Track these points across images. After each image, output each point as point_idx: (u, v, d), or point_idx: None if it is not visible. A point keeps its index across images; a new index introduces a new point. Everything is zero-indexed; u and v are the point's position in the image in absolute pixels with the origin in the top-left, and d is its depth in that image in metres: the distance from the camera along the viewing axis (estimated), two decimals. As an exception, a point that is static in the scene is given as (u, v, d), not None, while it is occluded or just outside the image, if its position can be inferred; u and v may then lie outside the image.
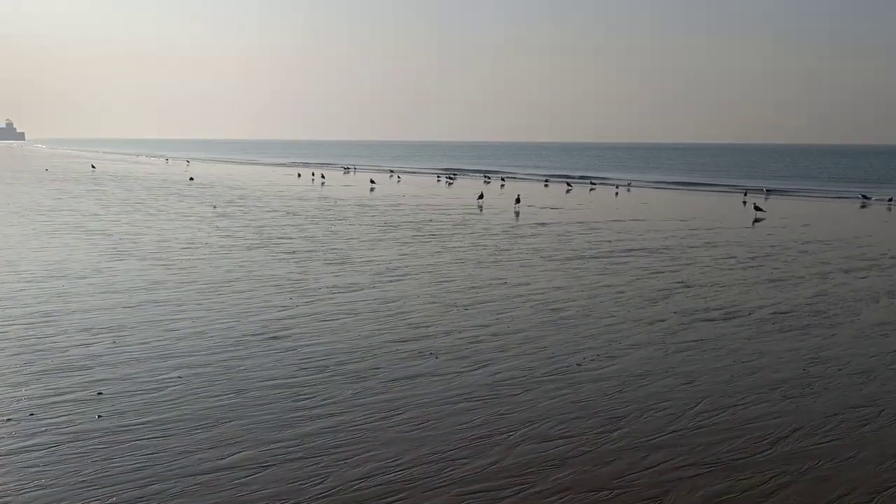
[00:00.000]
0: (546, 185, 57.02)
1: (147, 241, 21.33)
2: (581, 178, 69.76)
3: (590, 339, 11.72)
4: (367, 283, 15.74)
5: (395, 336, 11.64)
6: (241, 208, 32.44)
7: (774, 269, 19.21)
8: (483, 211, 33.78)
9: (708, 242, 24.27)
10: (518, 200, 36.71)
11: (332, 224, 26.78)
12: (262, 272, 16.76)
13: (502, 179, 63.24)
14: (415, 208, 34.39)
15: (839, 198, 49.15)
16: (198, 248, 20.18)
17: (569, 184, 56.64)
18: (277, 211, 31.39)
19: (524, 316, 13.21)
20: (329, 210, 32.30)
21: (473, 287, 15.67)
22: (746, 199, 46.46)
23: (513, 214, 32.49)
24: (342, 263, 18.24)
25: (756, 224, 30.44)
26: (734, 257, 21.17)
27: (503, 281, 16.52)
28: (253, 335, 11.44)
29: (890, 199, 44.34)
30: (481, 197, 39.04)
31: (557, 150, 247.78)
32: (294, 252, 19.88)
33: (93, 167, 71.55)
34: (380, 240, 22.88)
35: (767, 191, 52.79)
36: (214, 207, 32.38)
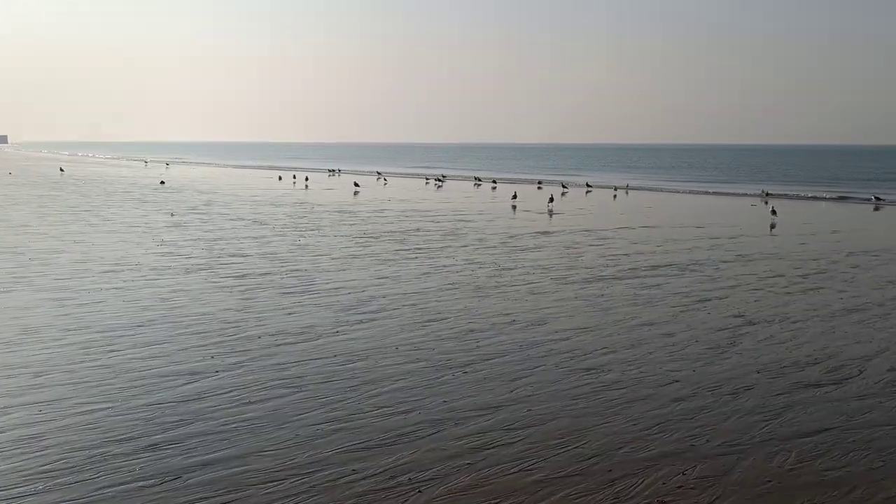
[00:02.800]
0: (539, 188, 52.76)
1: (62, 261, 16.80)
2: (550, 180, 65.57)
3: (658, 435, 7.37)
4: (328, 327, 11.32)
5: (353, 441, 7.24)
6: (203, 216, 27.91)
7: (840, 292, 14.98)
8: (516, 211, 29.50)
9: (740, 255, 20.03)
10: (552, 200, 36.45)
11: (301, 236, 22.32)
12: (189, 309, 12.30)
13: (493, 182, 58.91)
14: (400, 215, 29.99)
15: (840, 198, 45.12)
16: (122, 271, 15.68)
17: (564, 185, 52.38)
18: (243, 219, 26.90)
19: (548, 384, 8.85)
20: (303, 218, 27.84)
21: (472, 331, 11.28)
22: (756, 202, 42.34)
23: (508, 221, 28.15)
24: (301, 293, 13.81)
25: (773, 229, 26.31)
26: (782, 275, 16.92)
27: (510, 318, 12.16)
28: (119, 440, 7.02)
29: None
30: (515, 196, 39.41)
31: (527, 150, 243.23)
32: (244, 276, 15.43)
33: (61, 170, 66.58)
34: (355, 256, 18.46)
35: (767, 193, 48.73)
36: (172, 215, 27.86)
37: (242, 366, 9.24)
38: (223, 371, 9.02)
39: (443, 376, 9.02)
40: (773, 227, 28.02)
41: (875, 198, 42.22)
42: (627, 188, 53.61)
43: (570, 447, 7.00)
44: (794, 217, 31.92)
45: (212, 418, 7.48)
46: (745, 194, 48.73)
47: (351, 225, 25.59)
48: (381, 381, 8.81)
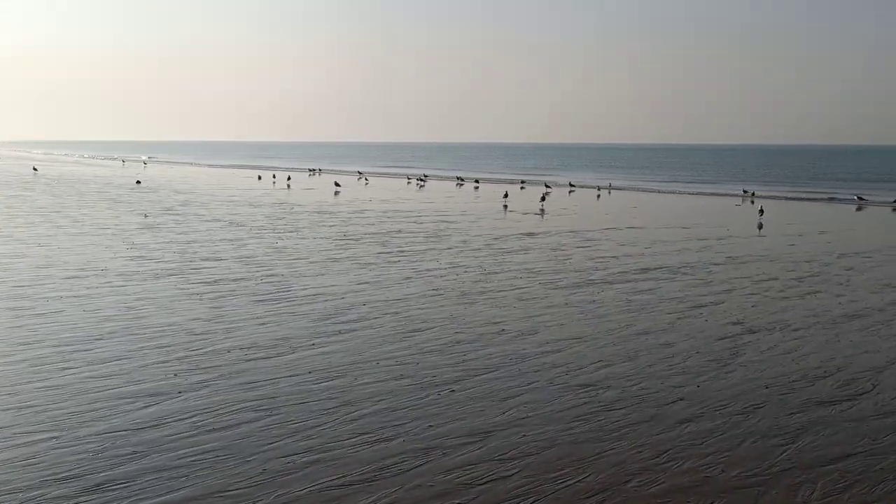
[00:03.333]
0: (522, 188, 52.08)
1: (23, 266, 15.78)
2: (523, 180, 64.97)
3: (668, 465, 6.61)
4: (303, 339, 10.46)
5: (328, 477, 6.41)
6: (178, 217, 26.87)
7: (838, 297, 14.37)
8: (507, 211, 28.67)
9: (731, 257, 19.41)
10: (543, 199, 36.93)
11: (278, 238, 21.40)
12: (155, 319, 11.39)
13: (476, 181, 58.13)
14: (381, 215, 29.13)
15: (813, 199, 44.88)
16: (86, 277, 14.70)
17: (547, 185, 51.74)
18: (219, 221, 25.91)
19: (543, 404, 8.07)
20: (281, 219, 26.89)
21: (458, 342, 10.48)
22: (740, 202, 41.96)
23: (492, 222, 27.39)
24: (276, 300, 12.94)
25: (761, 229, 25.76)
26: (776, 278, 16.30)
27: (499, 327, 11.37)
28: (60, 479, 6.15)
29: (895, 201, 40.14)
30: (506, 196, 39.30)
31: (502, 150, 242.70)
32: (216, 282, 14.52)
33: (35, 170, 64.87)
34: (335, 259, 17.59)
35: (752, 194, 48.42)
36: (145, 216, 26.81)
37: (208, 385, 8.37)
38: (187, 391, 8.15)
39: (428, 395, 8.21)
40: (760, 227, 27.62)
41: (858, 198, 41.98)
42: (610, 188, 53.09)
43: (571, 481, 6.22)
44: (778, 217, 31.46)
45: (169, 449, 6.62)
46: (727, 194, 48.37)
47: (331, 226, 24.70)
48: (361, 401, 7.98)
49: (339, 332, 10.89)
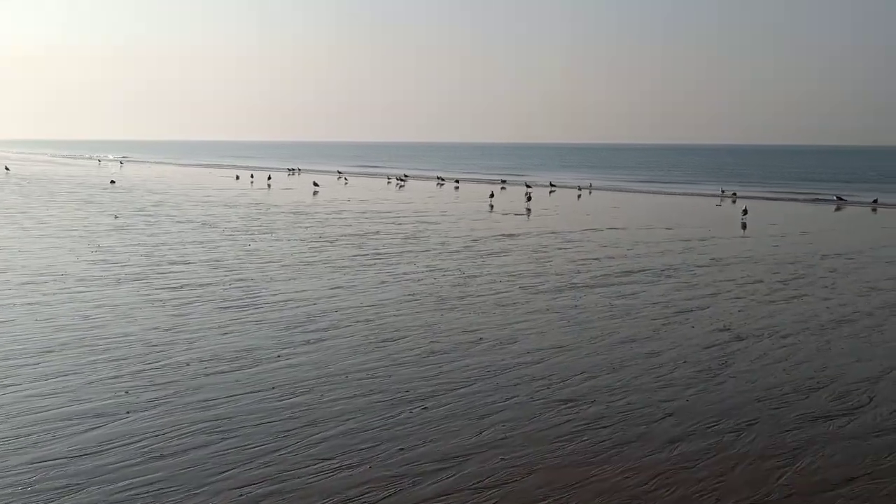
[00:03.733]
0: (503, 188, 51.56)
1: (-22, 272, 14.94)
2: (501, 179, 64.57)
3: (659, 493, 6.05)
4: (270, 350, 9.79)
5: None
6: (149, 218, 26.01)
7: (825, 300, 13.93)
8: (493, 211, 28.03)
9: (714, 259, 18.96)
10: (530, 199, 37.28)
11: (251, 240, 20.66)
12: (111, 329, 10.65)
13: (456, 181, 57.54)
14: (359, 216, 28.44)
15: (792, 199, 44.81)
16: (44, 282, 13.90)
17: (528, 185, 51.25)
18: (192, 222, 25.08)
19: (523, 422, 7.47)
20: (256, 220, 26.11)
21: (434, 352, 9.86)
22: (720, 202, 41.74)
23: (472, 222, 26.81)
24: (244, 307, 12.24)
25: (745, 229, 25.40)
26: (760, 281, 15.86)
27: (477, 336, 10.77)
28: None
29: (875, 200, 40.09)
30: (492, 196, 39.28)
31: (476, 149, 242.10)
32: (181, 287, 13.78)
33: (7, 169, 63.31)
34: (308, 263, 16.90)
35: (734, 193, 48.28)
36: (115, 217, 25.92)
37: (161, 403, 7.68)
38: (136, 411, 7.46)
39: (399, 414, 7.58)
40: (744, 226, 27.38)
41: (837, 197, 41.91)
42: (591, 188, 52.74)
43: (553, 513, 5.63)
44: (759, 218, 31.15)
45: (109, 481, 5.94)
46: (705, 194, 48.16)
47: (307, 228, 23.98)
48: (326, 421, 7.34)
49: (308, 341, 10.23)
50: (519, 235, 23.11)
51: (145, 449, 6.56)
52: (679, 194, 48.84)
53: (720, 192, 47.36)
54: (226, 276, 15.04)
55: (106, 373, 8.64)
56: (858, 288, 15.30)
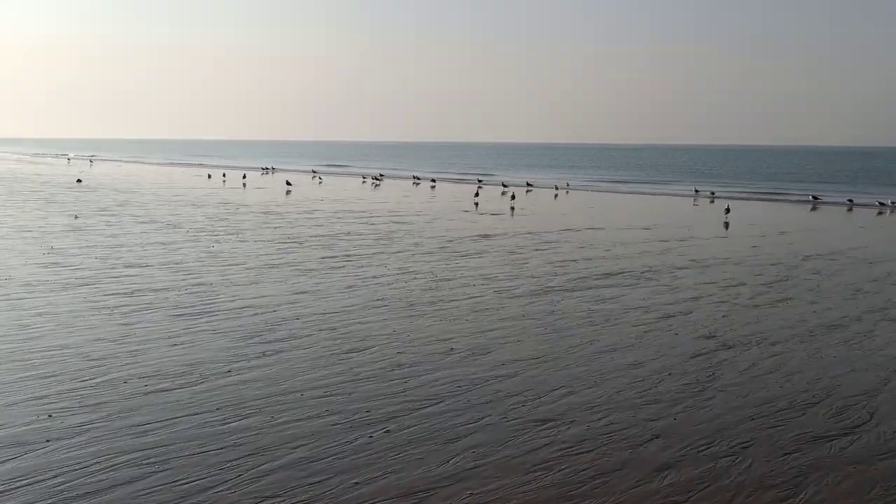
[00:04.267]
0: (479, 188, 50.82)
1: (-87, 277, 13.82)
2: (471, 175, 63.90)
3: (649, 533, 5.26)
4: (220, 363, 8.89)
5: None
6: (111, 218, 24.86)
7: (812, 304, 13.32)
8: (478, 208, 27.13)
9: (694, 260, 18.34)
10: (513, 197, 37.43)
11: (216, 241, 19.66)
12: (49, 340, 9.68)
13: (432, 181, 56.68)
14: (331, 216, 27.50)
15: (770, 199, 44.59)
16: (-17, 289, 12.86)
17: (504, 185, 50.58)
18: (156, 222, 23.99)
19: (495, 448, 6.66)
20: (224, 220, 25.09)
21: (400, 365, 9.03)
22: (698, 202, 41.36)
23: (447, 222, 26.00)
24: (198, 314, 11.31)
25: (727, 228, 24.87)
26: (743, 283, 15.23)
27: (447, 345, 9.96)
28: None
29: (851, 200, 39.84)
30: (477, 195, 39.48)
31: (449, 148, 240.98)
32: (133, 293, 12.81)
33: (-28, 168, 61.48)
34: (273, 266, 15.98)
35: (696, 191, 48.05)
36: (75, 217, 24.75)
37: (88, 429, 6.77)
38: (58, 438, 6.54)
39: (357, 439, 6.74)
40: (727, 225, 27.18)
41: (812, 197, 41.72)
42: (568, 187, 52.18)
43: (529, 563, 4.83)
44: (738, 217, 30.68)
45: (10, 529, 5.05)
46: (683, 194, 47.79)
47: (275, 228, 23.01)
48: (274, 449, 6.48)
49: (264, 353, 9.35)
50: (495, 236, 22.34)
51: (60, 487, 5.66)
52: (657, 194, 48.44)
53: (694, 192, 47.11)
54: (183, 280, 14.08)
55: (33, 391, 7.70)
56: (844, 291, 14.72)
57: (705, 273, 16.50)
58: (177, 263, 15.91)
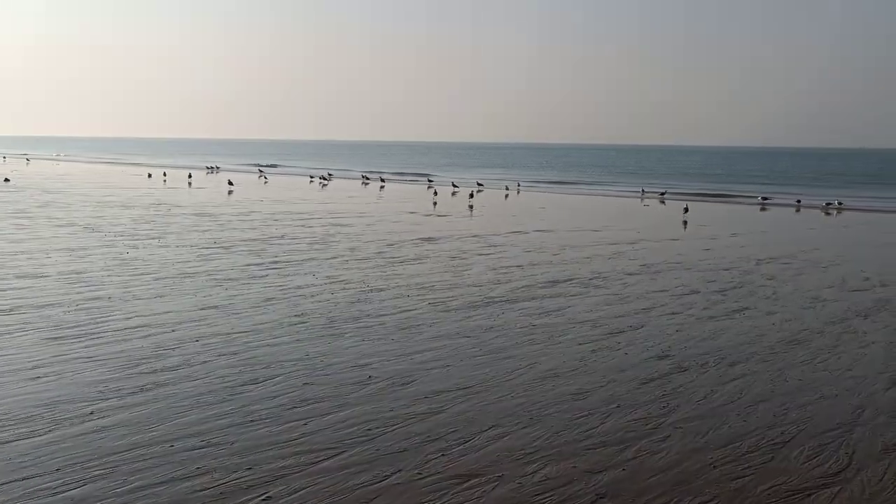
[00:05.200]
0: (430, 187, 49.40)
1: None
2: (415, 174, 62.65)
3: None
4: (81, 404, 7.25)
5: None
6: (25, 221, 22.71)
7: (769, 315, 12.25)
8: (435, 207, 25.51)
9: (645, 265, 17.23)
10: (472, 195, 37.15)
11: (133, 247, 17.82)
12: None
13: (381, 180, 55.03)
14: (269, 218, 25.75)
15: (720, 200, 44.24)
16: None
17: (455, 185, 49.26)
18: (74, 225, 21.95)
19: (402, 519, 5.23)
20: (150, 223, 23.16)
21: (305, 401, 7.52)
22: (648, 202, 40.65)
23: (391, 224, 24.52)
24: (77, 338, 9.61)
25: (686, 226, 23.96)
26: (697, 292, 14.12)
27: (365, 373, 8.50)
28: None
29: (803, 202, 39.58)
30: (436, 193, 39.47)
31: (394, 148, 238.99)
32: (12, 309, 11.01)
33: None
34: (188, 275, 14.29)
35: (643, 191, 47.59)
36: (-18, 221, 22.53)
37: None
38: None
39: (224, 514, 5.24)
40: (685, 224, 27.16)
41: (761, 198, 41.39)
42: (519, 187, 51.12)
43: None
44: (690, 219, 29.88)
45: None
46: (632, 194, 47.12)
47: (204, 232, 21.20)
48: (111, 531, 4.93)
49: (142, 387, 7.75)
50: (439, 239, 20.93)
51: None
52: (608, 195, 47.71)
53: (641, 192, 46.60)
54: (78, 293, 12.32)
55: None
56: (801, 299, 13.71)
57: (657, 280, 15.36)
58: (78, 273, 14.10)
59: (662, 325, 11.33)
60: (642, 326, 11.24)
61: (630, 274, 15.98)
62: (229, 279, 13.96)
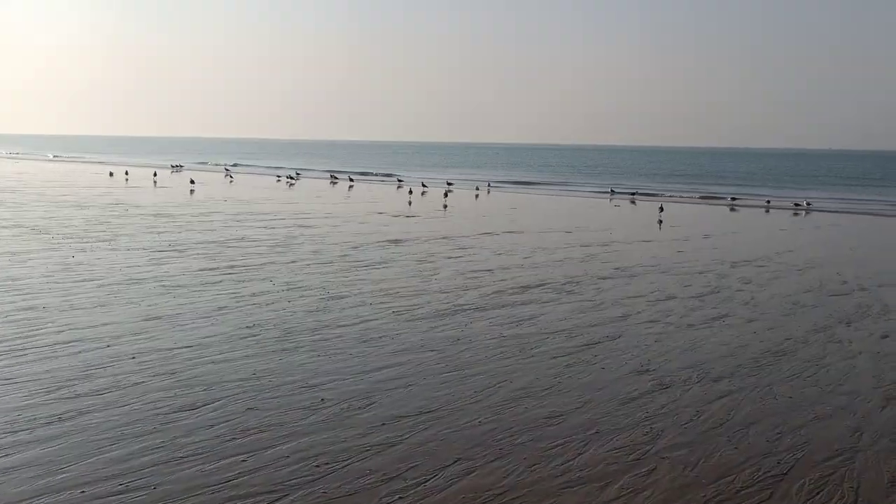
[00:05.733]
0: (399, 187, 48.47)
1: None
2: (387, 176, 61.79)
3: None
4: (-18, 439, 6.28)
5: None
6: (-31, 222, 21.34)
7: (750, 322, 11.62)
8: (410, 206, 24.45)
9: (619, 268, 16.55)
10: (447, 195, 37.58)
11: (81, 250, 16.66)
12: None
13: (350, 179, 53.89)
14: (230, 219, 24.63)
15: (691, 201, 44.00)
16: None
17: (424, 185, 48.37)
18: (21, 227, 20.64)
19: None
20: (103, 224, 21.92)
21: (246, 431, 6.60)
22: (619, 203, 40.17)
23: (357, 225, 23.59)
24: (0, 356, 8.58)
25: (661, 225, 23.38)
26: (674, 297, 13.47)
27: (318, 394, 7.61)
28: None
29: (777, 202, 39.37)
30: (411, 192, 39.23)
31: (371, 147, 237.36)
32: (-73, 324, 9.92)
33: None
34: (136, 281, 13.23)
35: (612, 191, 47.28)
36: (-78, 222, 21.10)
37: None
38: None
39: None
40: (660, 223, 27.29)
41: (731, 198, 41.16)
42: (489, 186, 50.39)
43: None
44: (663, 218, 29.37)
45: None
46: (602, 195, 46.69)
47: (160, 233, 20.05)
48: None
49: (60, 417, 6.78)
50: (406, 241, 20.05)
51: None
52: (579, 195, 47.22)
53: (610, 192, 46.30)
54: (10, 303, 11.22)
55: None
56: (781, 304, 13.11)
57: (632, 284, 14.67)
58: (13, 280, 12.96)
59: (640, 335, 10.60)
60: (619, 336, 10.50)
61: (604, 278, 15.27)
62: (179, 286, 12.93)
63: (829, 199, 44.04)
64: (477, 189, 47.15)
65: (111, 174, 50.23)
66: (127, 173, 50.98)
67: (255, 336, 9.81)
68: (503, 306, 12.19)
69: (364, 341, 9.75)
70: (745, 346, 10.19)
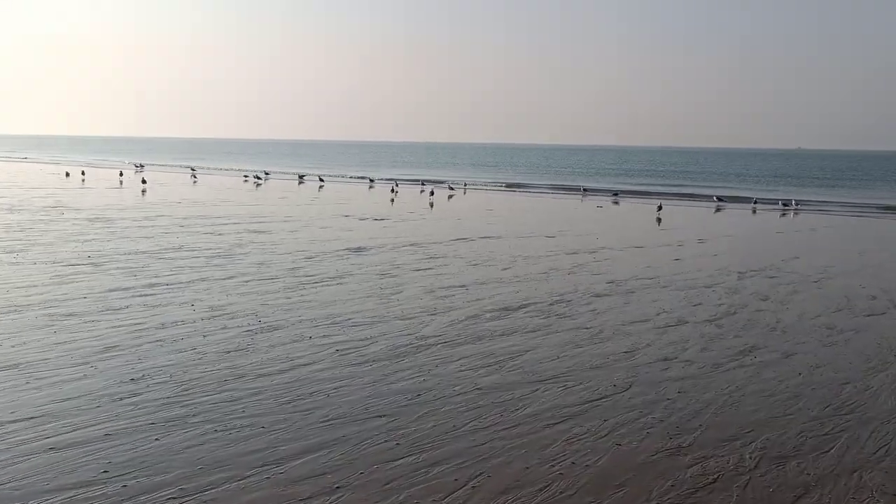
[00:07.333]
0: (371, 187, 45.55)
1: None
2: (365, 175, 58.94)
3: None
4: None
5: None
6: None
7: (789, 357, 9.01)
8: (393, 204, 21.53)
9: (613, 282, 13.92)
10: (432, 193, 36.40)
11: (-27, 264, 13.62)
12: None
13: (320, 179, 50.79)
14: (176, 223, 21.60)
15: (674, 198, 41.64)
16: None
17: (396, 183, 45.51)
18: (-76, 234, 17.49)
19: None
20: (26, 230, 18.82)
21: None
22: (602, 203, 37.64)
23: (318, 230, 20.70)
24: None
25: (660, 223, 20.81)
26: (685, 322, 10.83)
27: (212, 496, 4.77)
28: None
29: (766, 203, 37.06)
30: (392, 191, 37.44)
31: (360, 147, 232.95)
32: None
33: None
34: (18, 308, 10.27)
35: (584, 189, 44.95)
36: None
37: None
38: None
39: None
40: (659, 221, 26.32)
41: (717, 198, 38.81)
42: (465, 186, 47.64)
43: None
44: (650, 221, 26.80)
45: None
46: (586, 195, 44.16)
47: (85, 242, 17.00)
48: None
49: None
50: (369, 249, 17.22)
51: None
52: (560, 196, 44.66)
53: (581, 190, 44.20)
54: None
55: None
56: (815, 330, 10.53)
57: (631, 303, 12.01)
58: None
59: (656, 383, 7.91)
60: (630, 385, 7.80)
61: (598, 295, 12.60)
62: (71, 314, 10.00)
63: (812, 199, 41.86)
64: (451, 189, 44.18)
65: (67, 174, 46.65)
66: (83, 173, 47.45)
67: (136, 396, 6.95)
68: (478, 339, 9.43)
69: (286, 402, 6.93)
70: (796, 398, 7.54)
